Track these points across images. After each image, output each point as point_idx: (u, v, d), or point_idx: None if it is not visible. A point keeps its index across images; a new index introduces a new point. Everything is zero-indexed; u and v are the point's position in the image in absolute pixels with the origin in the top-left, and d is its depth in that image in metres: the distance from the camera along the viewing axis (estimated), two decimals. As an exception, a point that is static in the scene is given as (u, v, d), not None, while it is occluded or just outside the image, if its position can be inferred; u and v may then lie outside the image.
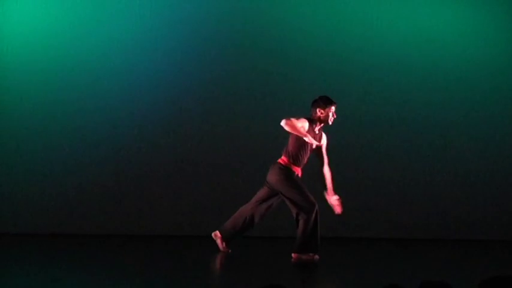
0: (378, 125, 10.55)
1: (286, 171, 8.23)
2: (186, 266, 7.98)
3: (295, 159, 8.25)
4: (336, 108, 8.27)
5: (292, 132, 8.06)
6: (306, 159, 8.34)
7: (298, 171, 8.30)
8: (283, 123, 7.99)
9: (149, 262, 8.15)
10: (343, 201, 8.29)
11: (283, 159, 8.29)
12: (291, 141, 8.27)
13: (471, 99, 10.66)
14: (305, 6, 10.47)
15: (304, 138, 7.98)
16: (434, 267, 8.17)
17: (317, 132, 8.31)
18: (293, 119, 8.03)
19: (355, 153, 10.52)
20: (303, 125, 8.10)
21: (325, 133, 8.51)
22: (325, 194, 8.33)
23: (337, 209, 8.22)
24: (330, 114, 8.23)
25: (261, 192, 8.40)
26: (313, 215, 8.06)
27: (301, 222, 8.09)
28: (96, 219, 10.17)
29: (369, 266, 8.26)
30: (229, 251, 8.49)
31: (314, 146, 8.22)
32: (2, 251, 9.08)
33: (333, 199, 8.23)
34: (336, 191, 8.34)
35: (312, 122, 8.25)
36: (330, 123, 8.29)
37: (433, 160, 10.61)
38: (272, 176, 8.27)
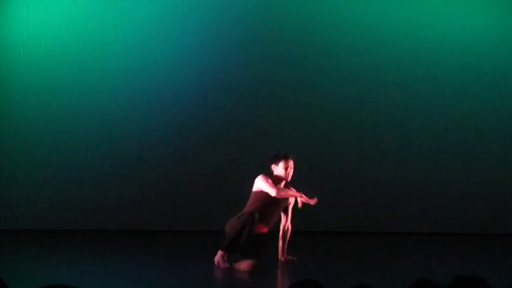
0: (379, 126, 10.49)
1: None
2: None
3: (261, 218, 7.54)
4: (291, 163, 7.79)
5: (287, 197, 7.73)
6: (273, 220, 7.79)
7: (262, 230, 7.65)
8: (275, 194, 7.56)
9: (149, 257, 8.19)
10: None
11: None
12: (254, 198, 7.70)
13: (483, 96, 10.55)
14: (306, 8, 10.42)
15: (299, 198, 7.63)
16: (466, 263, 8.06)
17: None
18: (278, 188, 7.66)
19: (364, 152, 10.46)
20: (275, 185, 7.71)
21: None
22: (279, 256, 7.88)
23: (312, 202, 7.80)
24: (284, 170, 7.77)
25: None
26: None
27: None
28: (97, 215, 10.24)
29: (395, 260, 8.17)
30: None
31: (300, 205, 7.75)
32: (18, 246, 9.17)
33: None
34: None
35: (276, 179, 7.81)
36: (288, 179, 7.81)
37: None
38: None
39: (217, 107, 10.37)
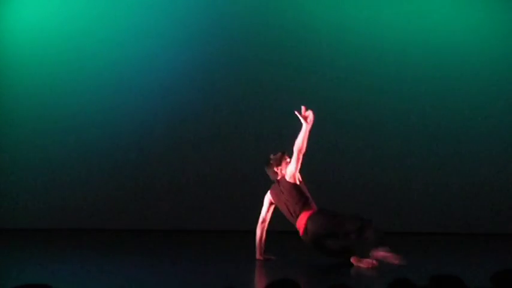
0: (379, 127, 10.53)
1: None
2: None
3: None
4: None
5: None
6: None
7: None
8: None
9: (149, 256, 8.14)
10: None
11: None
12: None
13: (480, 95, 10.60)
14: (307, 9, 10.43)
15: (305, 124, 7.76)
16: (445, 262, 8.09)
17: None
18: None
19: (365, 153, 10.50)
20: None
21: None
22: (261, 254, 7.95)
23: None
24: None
25: None
26: None
27: None
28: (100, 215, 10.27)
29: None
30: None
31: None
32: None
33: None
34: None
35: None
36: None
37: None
38: None
39: (218, 106, 10.41)
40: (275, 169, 7.92)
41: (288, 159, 7.88)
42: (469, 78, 10.56)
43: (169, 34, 10.37)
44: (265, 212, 7.99)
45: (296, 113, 7.73)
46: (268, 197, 8.01)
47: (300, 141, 7.70)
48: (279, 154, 7.95)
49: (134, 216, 10.34)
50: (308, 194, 7.85)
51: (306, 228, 7.68)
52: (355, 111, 10.50)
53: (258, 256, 7.92)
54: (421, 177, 10.55)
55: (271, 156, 7.97)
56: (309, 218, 7.67)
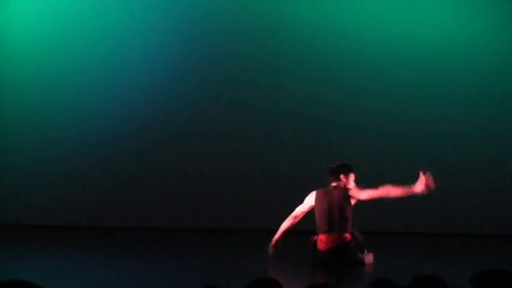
0: (378, 127, 10.53)
1: None
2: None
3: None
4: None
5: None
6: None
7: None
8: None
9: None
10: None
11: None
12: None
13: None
14: (308, 9, 10.43)
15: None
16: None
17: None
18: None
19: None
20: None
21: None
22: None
23: None
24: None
25: None
26: None
27: None
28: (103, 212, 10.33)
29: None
30: None
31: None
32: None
33: None
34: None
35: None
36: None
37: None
38: None
39: (217, 107, 10.44)
40: (342, 176, 7.84)
41: (353, 178, 7.84)
42: (467, 78, 10.53)
43: (168, 30, 10.38)
44: (302, 210, 7.92)
45: (421, 173, 7.45)
46: (311, 197, 7.90)
47: (392, 194, 7.69)
48: (352, 167, 7.92)
49: (130, 213, 10.37)
50: (351, 217, 7.76)
51: (337, 247, 7.61)
52: (355, 110, 10.47)
53: (273, 241, 7.87)
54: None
55: (347, 164, 7.91)
56: (346, 243, 7.63)
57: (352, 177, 7.88)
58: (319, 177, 9.97)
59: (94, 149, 10.36)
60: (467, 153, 10.53)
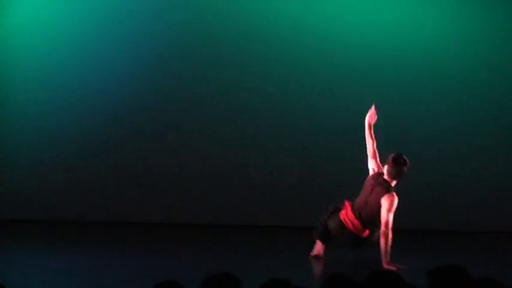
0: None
1: None
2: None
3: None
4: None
5: None
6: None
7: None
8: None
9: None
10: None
11: None
12: None
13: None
14: (307, 10, 10.41)
15: None
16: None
17: None
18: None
19: None
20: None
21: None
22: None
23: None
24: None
25: None
26: None
27: None
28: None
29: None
30: None
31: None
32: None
33: None
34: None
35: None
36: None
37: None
38: None
39: (217, 106, 10.39)
40: (388, 165, 7.67)
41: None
42: (466, 76, 10.51)
43: (165, 31, 10.34)
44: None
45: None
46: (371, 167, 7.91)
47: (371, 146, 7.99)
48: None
49: (128, 209, 10.30)
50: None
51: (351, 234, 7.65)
52: (355, 111, 10.44)
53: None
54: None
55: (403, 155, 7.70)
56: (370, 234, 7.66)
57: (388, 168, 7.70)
58: (320, 177, 10.12)
59: (92, 142, 10.31)
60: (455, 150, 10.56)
